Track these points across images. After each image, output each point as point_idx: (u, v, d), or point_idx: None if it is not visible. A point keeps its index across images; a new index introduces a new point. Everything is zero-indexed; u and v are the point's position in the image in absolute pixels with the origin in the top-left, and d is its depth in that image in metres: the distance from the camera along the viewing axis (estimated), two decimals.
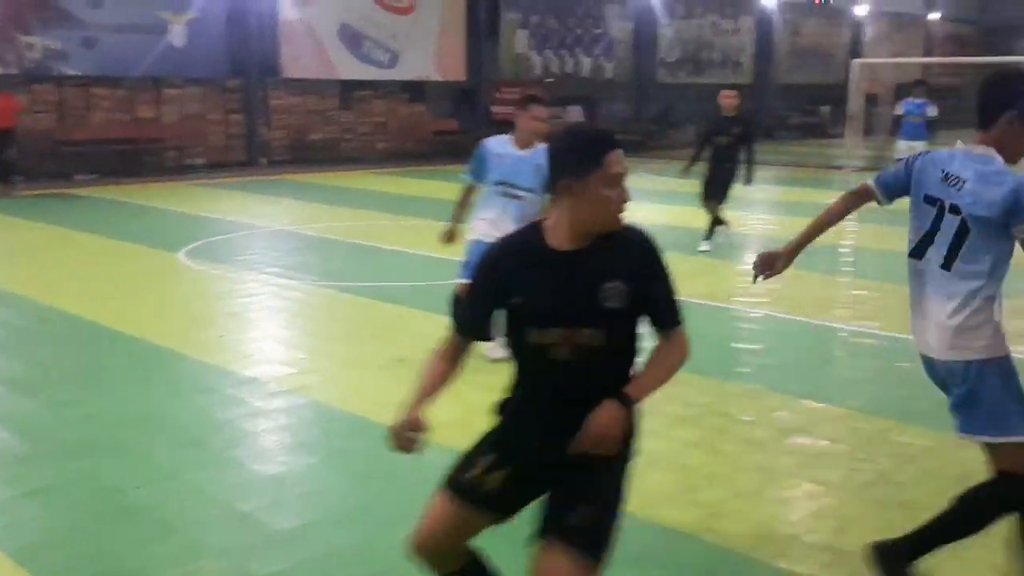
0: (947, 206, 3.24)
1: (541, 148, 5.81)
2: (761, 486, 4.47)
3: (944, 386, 3.39)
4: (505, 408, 2.85)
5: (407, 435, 2.72)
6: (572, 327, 2.58)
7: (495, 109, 25.96)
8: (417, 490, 4.46)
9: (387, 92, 24.00)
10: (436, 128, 24.97)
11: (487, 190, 6.05)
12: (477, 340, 2.80)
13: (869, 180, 3.65)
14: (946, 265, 3.22)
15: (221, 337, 7.11)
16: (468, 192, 6.28)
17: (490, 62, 25.53)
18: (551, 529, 2.57)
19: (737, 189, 10.84)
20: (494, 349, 6.06)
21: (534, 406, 2.74)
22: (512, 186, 5.90)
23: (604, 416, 2.52)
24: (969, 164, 3.22)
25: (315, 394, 5.79)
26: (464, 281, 5.72)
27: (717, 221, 10.80)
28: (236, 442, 5.09)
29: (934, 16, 41.80)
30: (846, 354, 6.93)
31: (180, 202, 15.15)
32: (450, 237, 6.30)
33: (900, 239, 11.50)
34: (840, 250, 11.45)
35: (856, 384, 6.11)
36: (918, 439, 5.04)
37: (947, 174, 3.27)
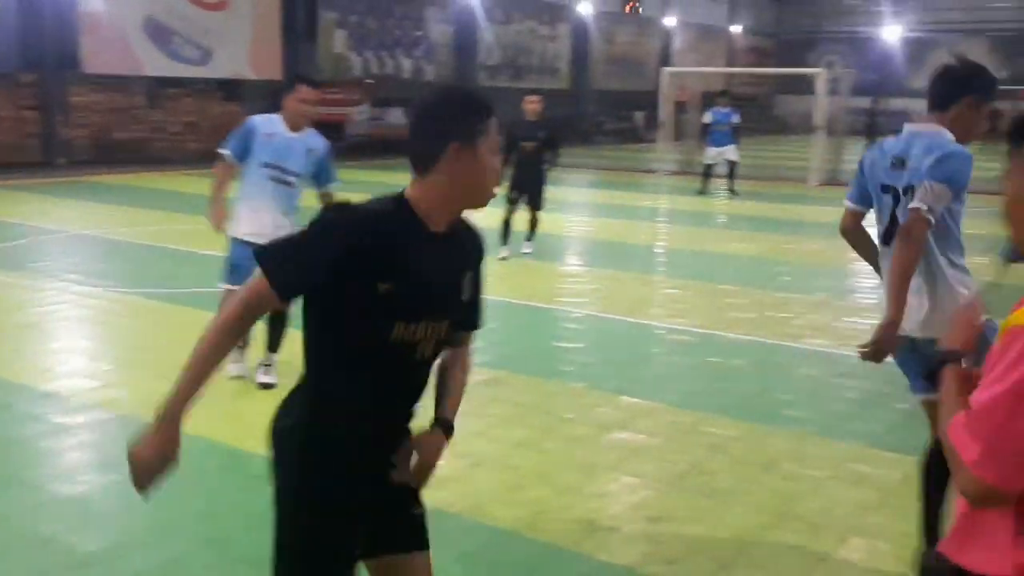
0: (901, 190, 3.40)
1: (312, 132, 5.69)
2: (583, 482, 4.56)
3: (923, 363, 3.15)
4: (324, 448, 2.25)
5: (167, 457, 2.24)
6: (438, 320, 2.25)
7: None
8: (230, 503, 4.29)
9: (199, 90, 23.05)
10: None
11: (251, 173, 5.60)
12: (282, 306, 2.25)
13: (847, 202, 3.74)
14: None
15: (16, 350, 6.59)
16: (226, 171, 5.73)
17: (308, 62, 24.97)
18: (407, 540, 2.40)
19: (552, 192, 11.10)
20: (238, 367, 5.87)
21: (372, 423, 2.28)
22: (282, 169, 5.56)
23: (436, 450, 2.32)
24: (917, 141, 3.40)
25: (121, 408, 5.46)
26: (228, 287, 5.48)
27: (533, 223, 10.83)
28: (33, 462, 4.72)
29: (736, 28, 44.33)
30: (661, 351, 7.20)
31: None
32: (219, 224, 5.71)
33: (709, 239, 12.15)
34: (655, 251, 11.92)
35: (670, 379, 6.36)
36: (728, 429, 5.28)
37: (894, 160, 3.45)
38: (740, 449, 5.02)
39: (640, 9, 37.36)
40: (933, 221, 3.28)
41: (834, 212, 14.78)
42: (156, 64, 21.54)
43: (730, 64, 43.16)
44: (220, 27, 22.74)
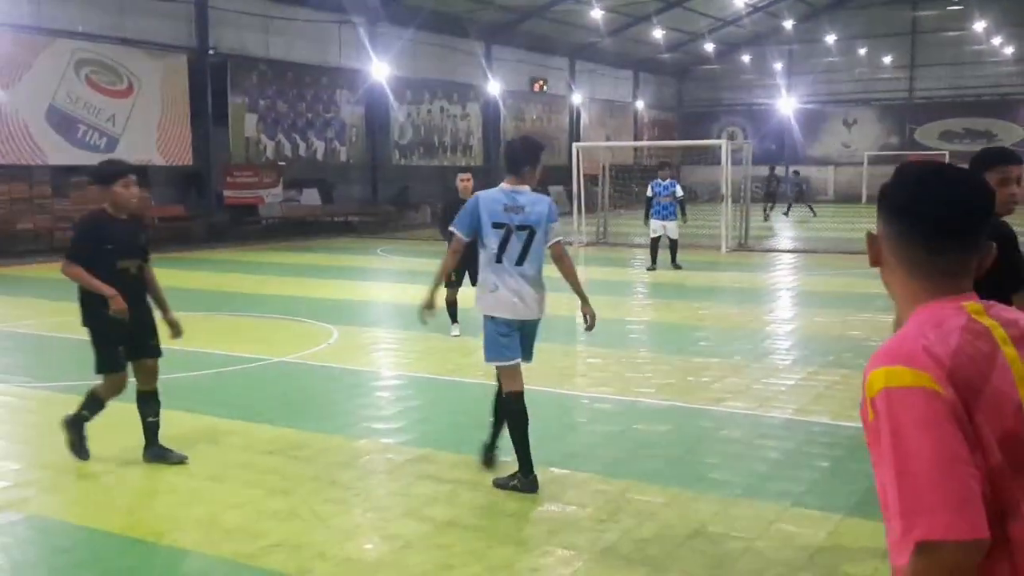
0: (515, 226, 5.39)
1: None
2: (515, 557, 4.52)
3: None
4: None
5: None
6: None
7: (227, 193, 25.30)
8: None
9: None
10: (161, 214, 23.86)
11: None
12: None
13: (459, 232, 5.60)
14: (520, 262, 5.43)
15: None
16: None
17: (219, 146, 24.88)
18: None
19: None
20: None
21: None
22: None
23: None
24: (518, 196, 5.47)
25: (32, 508, 5.22)
26: None
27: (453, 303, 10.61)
28: None
29: (640, 103, 45.80)
30: (586, 420, 7.23)
31: None
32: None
33: (628, 308, 12.32)
34: (575, 321, 12.04)
35: (596, 448, 6.38)
36: (656, 496, 5.32)
37: (508, 206, 5.41)
38: (669, 515, 5.04)
39: (547, 87, 38.35)
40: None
41: (746, 277, 15.27)
42: (60, 153, 21.15)
43: (637, 137, 44.46)
44: (126, 113, 22.52)
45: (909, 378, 1.57)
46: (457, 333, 10.49)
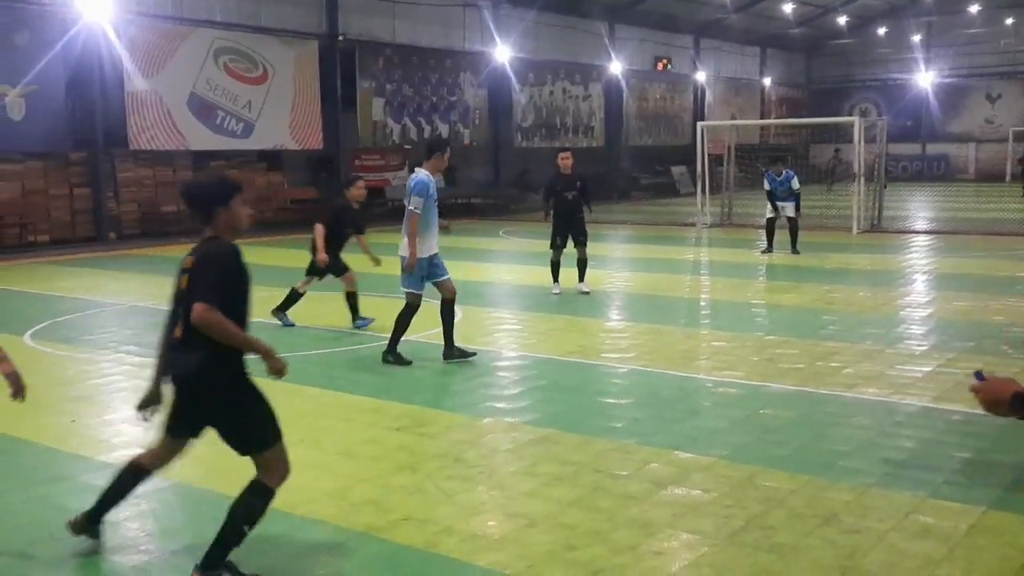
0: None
1: None
2: (639, 540, 4.51)
3: None
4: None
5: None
6: None
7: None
8: (288, 570, 4.29)
9: (242, 161, 23.60)
10: (294, 196, 24.68)
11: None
12: None
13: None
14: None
15: (73, 422, 6.71)
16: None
17: (347, 130, 25.52)
18: None
19: (593, 248, 11.72)
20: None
21: None
22: None
23: None
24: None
25: (179, 476, 5.51)
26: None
27: (583, 263, 12.19)
28: None
29: (767, 80, 44.54)
30: (711, 404, 7.13)
31: (23, 281, 14.35)
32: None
33: (753, 291, 12.04)
34: (699, 303, 11.88)
35: (722, 433, 6.28)
36: (784, 482, 5.21)
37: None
38: (798, 502, 4.93)
39: (671, 66, 37.72)
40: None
41: (878, 259, 14.76)
42: (200, 138, 22.13)
43: (763, 115, 43.30)
44: (261, 100, 23.35)
45: None
46: (558, 292, 12.05)
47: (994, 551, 4.30)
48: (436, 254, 8.27)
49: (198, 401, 4.04)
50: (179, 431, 4.23)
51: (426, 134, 28.05)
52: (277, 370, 4.08)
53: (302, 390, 7.42)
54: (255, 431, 4.06)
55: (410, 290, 8.20)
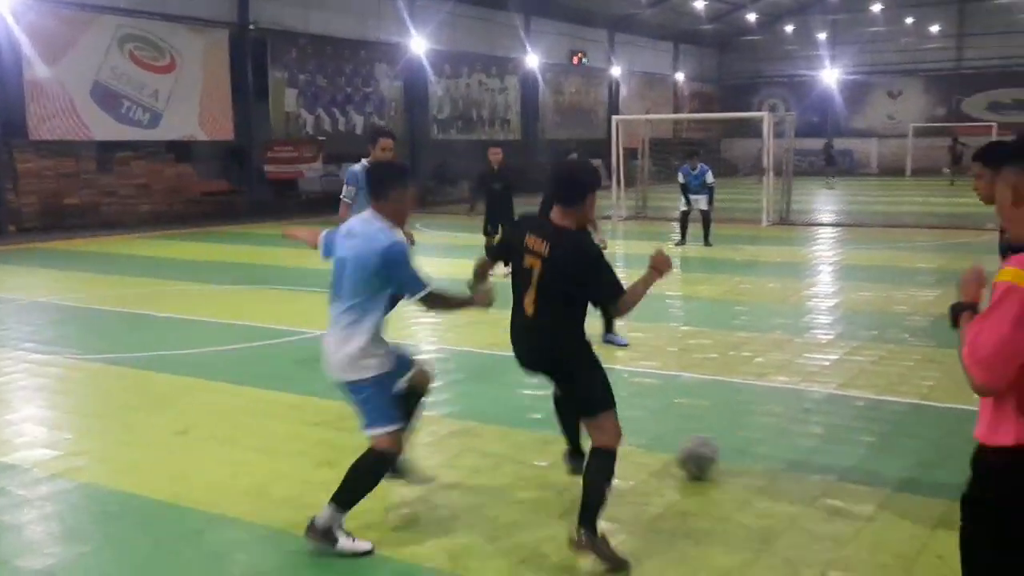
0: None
1: None
2: (560, 530, 4.53)
3: None
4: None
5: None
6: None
7: (268, 168, 25.46)
8: (202, 570, 4.20)
9: (149, 153, 22.93)
10: (205, 189, 24.11)
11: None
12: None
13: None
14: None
15: None
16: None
17: (260, 121, 25.04)
18: None
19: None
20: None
21: None
22: None
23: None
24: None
25: (85, 476, 5.34)
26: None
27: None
28: None
29: (680, 75, 45.30)
30: (628, 394, 7.19)
31: None
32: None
33: (668, 282, 12.14)
34: None
35: (639, 423, 6.35)
36: None
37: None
38: (713, 489, 5.04)
39: (586, 60, 38.04)
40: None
41: (787, 251, 15.09)
42: (105, 129, 21.42)
43: (677, 109, 44.02)
44: (169, 89, 22.73)
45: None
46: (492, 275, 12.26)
47: (899, 531, 4.47)
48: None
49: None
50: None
51: (340, 126, 27.74)
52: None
53: (218, 386, 7.25)
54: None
55: None
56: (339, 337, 4.36)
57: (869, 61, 44.75)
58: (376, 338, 4.35)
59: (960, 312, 2.76)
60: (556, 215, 4.28)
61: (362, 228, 4.37)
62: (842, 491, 4.98)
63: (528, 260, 4.28)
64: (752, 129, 35.68)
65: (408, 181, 4.48)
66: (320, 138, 26.52)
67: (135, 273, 13.71)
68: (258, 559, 4.33)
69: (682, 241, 16.70)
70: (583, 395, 4.32)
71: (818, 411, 6.56)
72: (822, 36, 44.27)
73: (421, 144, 30.59)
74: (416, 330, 9.65)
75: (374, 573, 4.13)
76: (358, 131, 28.39)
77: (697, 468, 5.13)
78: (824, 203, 27.73)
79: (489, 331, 9.41)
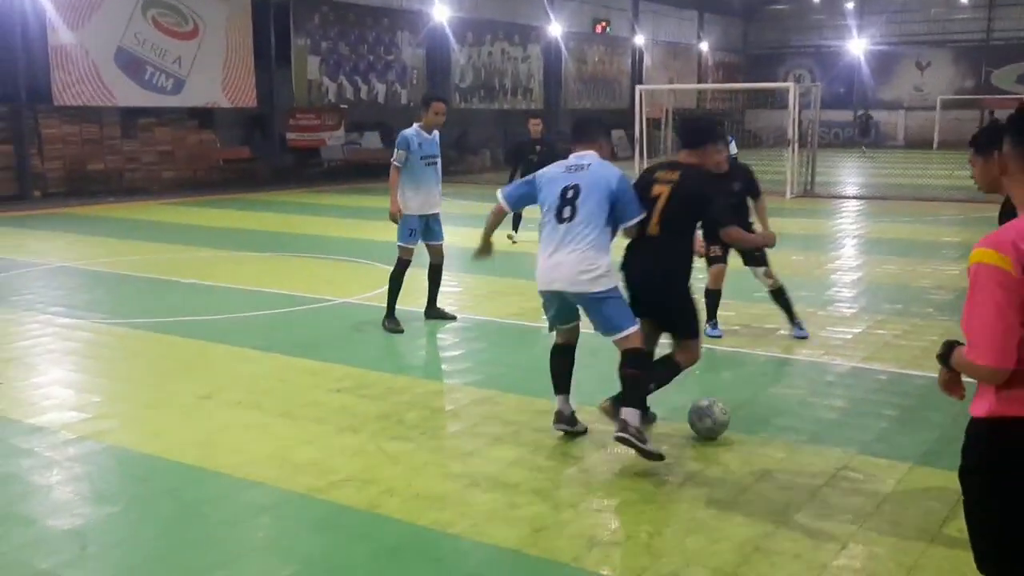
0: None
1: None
2: (580, 498, 4.57)
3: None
4: None
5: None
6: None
7: (290, 136, 25.48)
8: (227, 532, 4.27)
9: (173, 119, 23.00)
10: (226, 156, 24.18)
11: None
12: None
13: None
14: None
15: (1, 384, 6.53)
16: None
17: (282, 88, 25.02)
18: None
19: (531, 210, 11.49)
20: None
21: None
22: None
23: None
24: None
25: (112, 439, 5.42)
26: (403, 244, 8.22)
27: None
28: (25, 496, 4.67)
29: (704, 45, 44.77)
30: None
31: None
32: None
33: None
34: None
35: (660, 393, 6.29)
36: (720, 441, 5.31)
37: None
38: (734, 460, 5.05)
39: (609, 29, 37.68)
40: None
41: (810, 223, 14.98)
42: (128, 95, 21.48)
43: (701, 80, 43.57)
44: (192, 56, 22.73)
45: (994, 259, 2.46)
46: (514, 241, 12.92)
47: (920, 505, 4.46)
48: (434, 215, 8.25)
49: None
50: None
51: (363, 94, 27.66)
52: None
53: (242, 352, 7.32)
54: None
55: (400, 243, 8.14)
56: (579, 256, 4.94)
57: (897, 32, 44.03)
58: (610, 255, 5.03)
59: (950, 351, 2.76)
60: (682, 156, 5.26)
61: (588, 161, 5.14)
62: (864, 464, 4.97)
63: (656, 189, 5.07)
64: (778, 100, 35.31)
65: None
66: (342, 106, 26.48)
67: (159, 239, 13.80)
68: (281, 522, 4.38)
69: None
70: (684, 319, 5.19)
71: (841, 384, 6.54)
72: (850, 5, 43.56)
73: None
74: (440, 299, 9.66)
75: (394, 536, 4.18)
76: (380, 99, 28.31)
77: (698, 419, 5.34)
78: (849, 175, 27.45)
79: (510, 301, 9.42)
